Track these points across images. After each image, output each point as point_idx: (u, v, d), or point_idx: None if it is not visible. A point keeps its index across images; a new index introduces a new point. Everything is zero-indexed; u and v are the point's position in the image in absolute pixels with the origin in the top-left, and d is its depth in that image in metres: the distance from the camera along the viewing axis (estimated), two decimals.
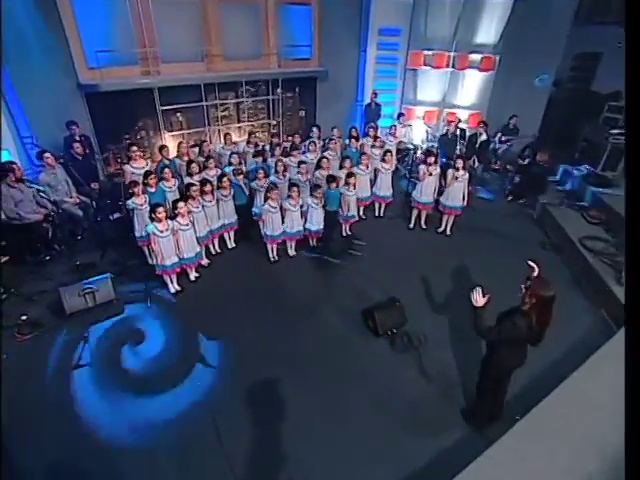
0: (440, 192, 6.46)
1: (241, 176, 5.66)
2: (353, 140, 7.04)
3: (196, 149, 6.95)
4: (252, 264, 5.77)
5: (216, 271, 5.63)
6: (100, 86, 7.14)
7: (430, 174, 6.19)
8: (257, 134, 8.59)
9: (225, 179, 5.43)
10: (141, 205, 5.09)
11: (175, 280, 5.15)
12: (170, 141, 8.46)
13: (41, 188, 5.39)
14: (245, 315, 4.86)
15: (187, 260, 5.05)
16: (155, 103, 7.80)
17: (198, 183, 5.30)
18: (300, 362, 4.25)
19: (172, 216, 4.90)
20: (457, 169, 6.07)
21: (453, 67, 9.11)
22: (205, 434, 3.52)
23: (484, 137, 8.19)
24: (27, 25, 6.35)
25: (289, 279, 5.52)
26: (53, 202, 5.37)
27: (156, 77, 7.78)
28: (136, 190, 5.04)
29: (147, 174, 5.28)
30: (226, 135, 6.92)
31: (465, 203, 6.33)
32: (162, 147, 6.11)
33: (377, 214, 7.16)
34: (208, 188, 5.28)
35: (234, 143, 7.47)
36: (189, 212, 5.01)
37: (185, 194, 5.16)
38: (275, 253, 5.81)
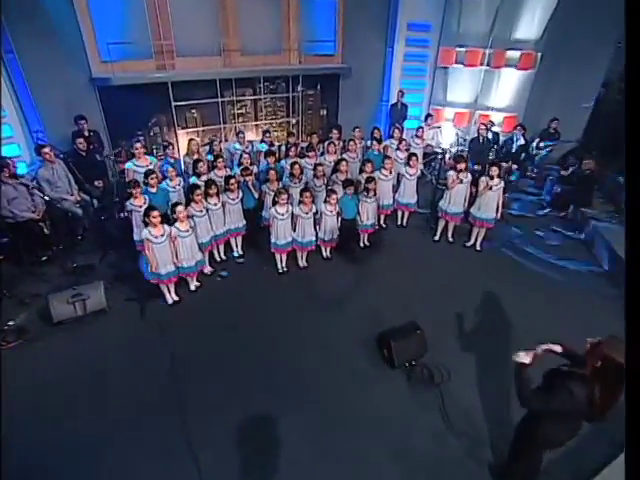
0: (471, 202, 5.79)
1: (250, 177, 5.17)
2: (375, 142, 6.45)
3: (208, 147, 6.56)
4: (258, 274, 5.26)
5: (219, 281, 5.17)
6: (113, 80, 6.85)
7: (460, 181, 5.52)
8: (273, 132, 8.15)
9: (232, 181, 4.96)
10: (139, 207, 4.69)
11: (173, 289, 4.72)
12: (185, 138, 8.14)
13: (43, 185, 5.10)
14: (244, 335, 4.36)
15: (186, 269, 4.59)
16: (169, 98, 7.48)
17: (203, 185, 4.88)
18: (302, 395, 3.69)
19: (171, 221, 4.47)
20: (491, 177, 5.39)
21: (488, 65, 8.35)
22: (185, 475, 3.04)
23: (521, 142, 7.43)
24: (41, 15, 6.12)
25: (297, 293, 4.97)
26: (49, 199, 5.07)
27: (170, 71, 7.45)
28: (134, 191, 4.64)
29: (148, 173, 4.89)
30: (239, 133, 6.46)
31: (499, 215, 5.64)
32: (167, 145, 5.71)
33: (399, 223, 6.52)
34: (213, 190, 4.82)
35: (250, 142, 7.04)
36: (190, 216, 4.58)
37: (188, 196, 4.73)
38: (284, 263, 5.28)
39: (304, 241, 5.07)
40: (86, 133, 6.37)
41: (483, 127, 7.01)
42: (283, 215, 4.80)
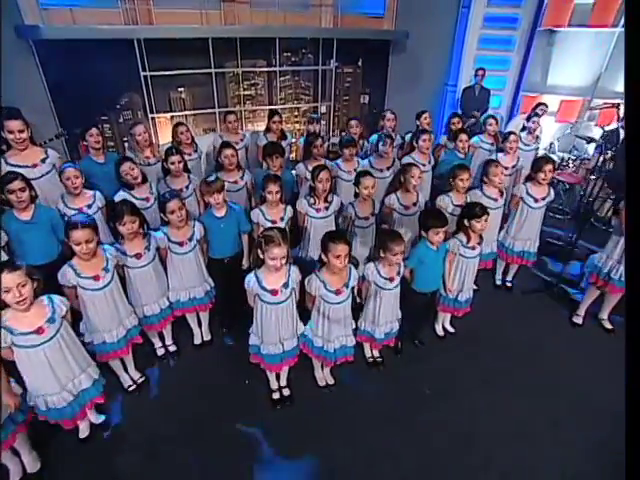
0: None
1: (218, 196, 2.34)
2: (463, 137, 3.51)
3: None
4: (234, 398, 2.41)
5: (151, 408, 2.40)
6: (42, 31, 4.28)
7: None
8: (292, 124, 5.43)
9: (172, 204, 2.17)
10: None
11: (26, 450, 2.00)
12: (167, 126, 5.55)
13: None
14: None
15: (53, 414, 1.84)
16: (138, 67, 4.88)
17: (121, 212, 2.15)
18: None
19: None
20: None
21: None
22: None
23: None
24: None
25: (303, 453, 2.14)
26: None
27: (143, 27, 4.84)
28: None
29: (6, 180, 2.20)
30: (227, 114, 3.66)
31: None
32: (84, 133, 2.97)
33: (499, 281, 3.55)
34: (129, 227, 2.07)
35: (255, 133, 4.32)
36: (72, 295, 1.87)
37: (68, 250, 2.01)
38: (283, 381, 2.40)
39: (330, 349, 2.17)
40: None
41: None
42: (275, 296, 1.93)
